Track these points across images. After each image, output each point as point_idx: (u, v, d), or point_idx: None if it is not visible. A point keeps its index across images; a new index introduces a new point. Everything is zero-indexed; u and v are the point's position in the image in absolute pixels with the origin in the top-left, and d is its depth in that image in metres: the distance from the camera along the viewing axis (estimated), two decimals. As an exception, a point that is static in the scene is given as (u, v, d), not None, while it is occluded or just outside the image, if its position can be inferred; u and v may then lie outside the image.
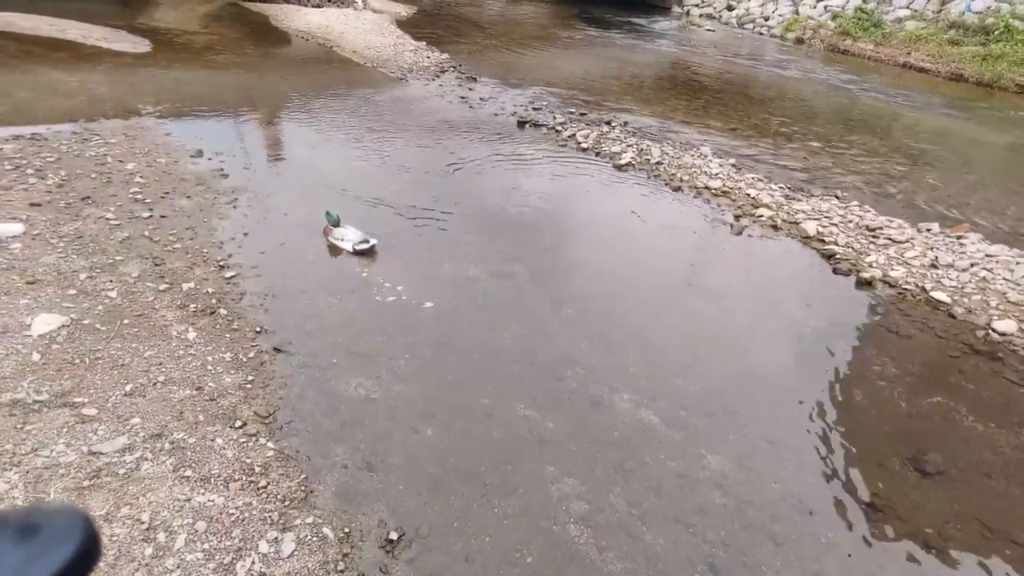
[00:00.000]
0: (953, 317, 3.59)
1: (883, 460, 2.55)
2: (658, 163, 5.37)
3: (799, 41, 13.47)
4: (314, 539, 1.83)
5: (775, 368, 3.08)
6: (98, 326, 2.51)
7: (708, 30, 14.33)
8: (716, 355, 3.11)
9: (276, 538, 1.80)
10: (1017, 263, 4.01)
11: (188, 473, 1.94)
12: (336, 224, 3.50)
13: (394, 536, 1.89)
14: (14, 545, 0.38)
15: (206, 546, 1.73)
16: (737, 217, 4.60)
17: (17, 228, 3.20)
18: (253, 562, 1.72)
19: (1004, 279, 3.85)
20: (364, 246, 3.47)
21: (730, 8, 15.41)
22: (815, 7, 14.14)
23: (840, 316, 3.57)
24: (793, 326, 3.44)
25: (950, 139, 7.84)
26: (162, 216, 3.48)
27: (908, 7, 13.09)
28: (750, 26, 14.62)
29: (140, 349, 2.43)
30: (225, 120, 5.40)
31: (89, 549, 0.40)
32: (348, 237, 3.48)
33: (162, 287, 2.86)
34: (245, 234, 3.47)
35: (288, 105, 6.01)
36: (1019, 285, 3.79)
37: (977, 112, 9.26)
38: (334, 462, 2.12)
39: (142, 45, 7.37)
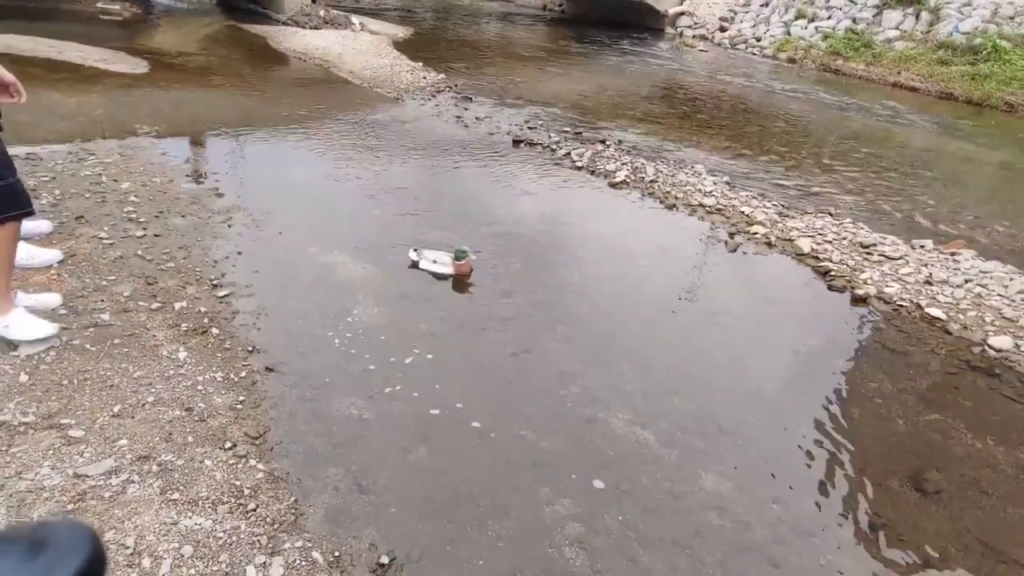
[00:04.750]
0: (949, 333, 3.58)
1: (882, 479, 2.52)
2: (652, 181, 5.40)
3: (791, 61, 13.66)
4: (303, 563, 1.79)
5: (772, 386, 3.06)
6: (88, 346, 2.48)
7: (701, 50, 14.53)
8: (712, 373, 3.10)
9: (264, 563, 1.76)
10: (1011, 279, 4.02)
11: (175, 496, 1.90)
12: (459, 258, 3.51)
13: (385, 560, 1.85)
14: (22, 561, 0.39)
15: (192, 571, 1.68)
16: (731, 235, 4.62)
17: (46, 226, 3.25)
18: (240, 588, 1.68)
19: (999, 295, 3.86)
20: (443, 269, 3.53)
21: (722, 29, 15.63)
22: (806, 28, 14.37)
23: (836, 333, 3.56)
24: (789, 343, 3.43)
25: (941, 157, 7.92)
26: (156, 235, 3.47)
27: (897, 28, 13.31)
28: (743, 47, 14.82)
29: (130, 369, 2.41)
30: (222, 140, 5.42)
31: (95, 565, 0.41)
32: (430, 258, 3.56)
33: (154, 306, 2.84)
34: (239, 253, 3.46)
35: (286, 125, 6.04)
36: (1014, 301, 3.79)
37: (967, 130, 9.37)
38: (325, 484, 2.09)
39: (140, 66, 7.42)
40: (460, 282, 3.51)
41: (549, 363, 2.98)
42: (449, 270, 3.54)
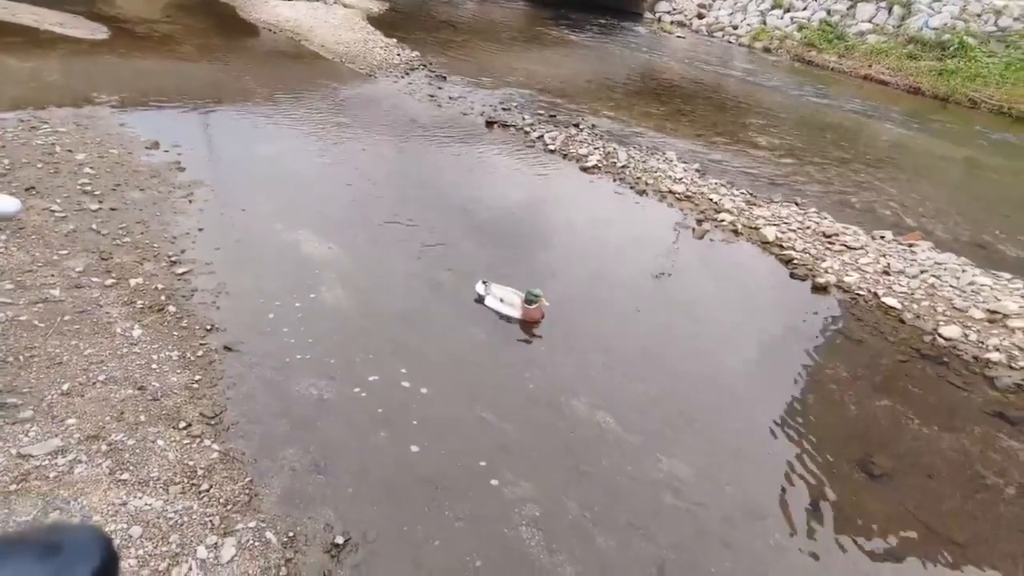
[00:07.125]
0: (903, 322, 3.69)
1: (833, 463, 2.60)
2: (624, 166, 5.41)
3: (766, 50, 13.76)
4: (256, 544, 1.78)
5: (732, 372, 3.12)
6: (36, 322, 2.40)
7: (679, 37, 14.53)
8: (675, 359, 3.14)
9: (216, 543, 1.74)
10: (963, 271, 4.15)
11: (125, 476, 1.87)
12: (530, 302, 3.07)
13: (340, 540, 1.85)
14: (37, 563, 0.40)
15: (140, 552, 1.66)
16: (699, 222, 4.67)
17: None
18: (190, 568, 1.66)
19: (951, 286, 3.98)
20: (509, 311, 3.10)
21: (700, 16, 15.65)
22: (782, 18, 14.46)
23: (796, 321, 3.64)
24: (751, 330, 3.49)
25: (906, 150, 8.10)
26: (112, 209, 3.36)
27: (870, 21, 13.48)
28: (719, 34, 14.87)
29: (80, 347, 2.34)
30: (184, 112, 5.24)
31: (108, 567, 0.42)
32: (497, 295, 3.14)
33: (108, 282, 2.76)
34: (200, 229, 3.37)
35: (253, 98, 5.87)
36: (964, 292, 3.92)
37: (932, 125, 9.58)
38: (281, 465, 2.07)
39: (100, 32, 7.12)
40: (527, 328, 3.11)
41: (514, 348, 2.99)
42: (516, 314, 3.11)
